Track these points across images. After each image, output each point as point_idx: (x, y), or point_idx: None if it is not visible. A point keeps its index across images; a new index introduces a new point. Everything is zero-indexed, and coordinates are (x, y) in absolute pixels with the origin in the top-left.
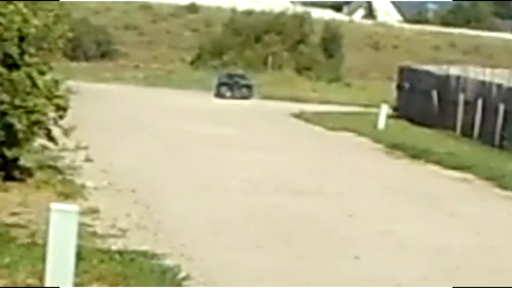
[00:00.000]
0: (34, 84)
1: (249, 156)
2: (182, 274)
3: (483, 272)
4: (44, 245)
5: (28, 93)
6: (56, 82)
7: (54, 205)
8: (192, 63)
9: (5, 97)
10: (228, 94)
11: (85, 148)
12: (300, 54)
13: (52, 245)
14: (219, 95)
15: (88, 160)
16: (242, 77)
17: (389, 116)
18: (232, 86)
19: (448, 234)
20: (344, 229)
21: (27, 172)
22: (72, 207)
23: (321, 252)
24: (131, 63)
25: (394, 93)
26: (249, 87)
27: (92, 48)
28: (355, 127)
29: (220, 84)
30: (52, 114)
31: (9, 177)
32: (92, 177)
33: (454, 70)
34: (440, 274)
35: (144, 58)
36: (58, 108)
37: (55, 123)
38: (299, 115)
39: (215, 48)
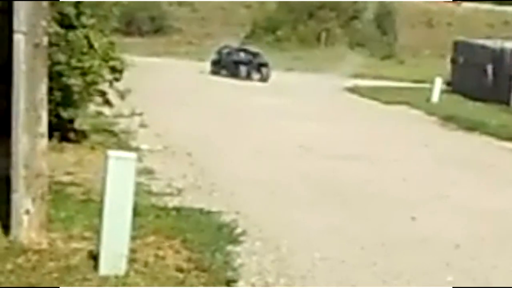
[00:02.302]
0: (91, 46)
1: (303, 125)
2: (239, 230)
3: None
4: (101, 194)
5: (84, 54)
6: (112, 44)
7: (112, 152)
8: (245, 38)
9: (62, 58)
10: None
11: (140, 114)
12: (354, 30)
13: (109, 192)
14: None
15: (142, 125)
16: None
17: (443, 91)
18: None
19: (505, 199)
20: (399, 192)
21: (82, 135)
22: (130, 154)
23: (376, 213)
24: (185, 38)
25: (448, 68)
26: (266, 65)
27: (146, 23)
28: (409, 101)
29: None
30: (108, 76)
31: (64, 139)
32: (147, 141)
33: (509, 44)
34: (499, 236)
35: (197, 34)
36: (114, 70)
37: (111, 85)
38: (353, 89)
39: (268, 24)
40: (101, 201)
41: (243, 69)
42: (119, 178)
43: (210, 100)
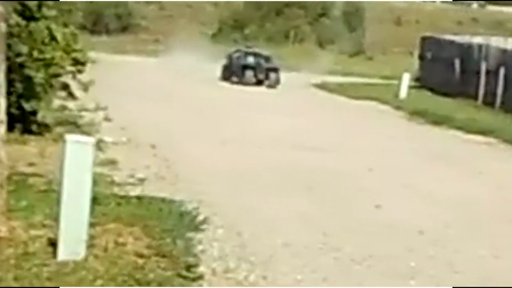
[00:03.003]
0: (53, 37)
1: (271, 120)
2: (201, 217)
3: (506, 221)
4: (59, 179)
5: (46, 45)
6: (75, 36)
7: (70, 136)
8: (213, 36)
9: (23, 49)
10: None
11: (104, 108)
12: (322, 27)
13: (67, 177)
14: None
15: (107, 119)
16: (265, 57)
17: (411, 87)
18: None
19: (471, 188)
20: (364, 181)
21: (45, 128)
22: (88, 138)
23: (341, 201)
24: (152, 36)
25: (416, 64)
26: (275, 70)
27: (113, 22)
28: (377, 96)
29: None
30: (70, 68)
31: (27, 131)
32: (111, 133)
33: (476, 40)
34: (463, 222)
35: (164, 31)
36: (77, 62)
37: (74, 77)
38: (321, 86)
39: (236, 22)
40: (59, 186)
41: (249, 74)
42: (77, 162)
43: (175, 95)
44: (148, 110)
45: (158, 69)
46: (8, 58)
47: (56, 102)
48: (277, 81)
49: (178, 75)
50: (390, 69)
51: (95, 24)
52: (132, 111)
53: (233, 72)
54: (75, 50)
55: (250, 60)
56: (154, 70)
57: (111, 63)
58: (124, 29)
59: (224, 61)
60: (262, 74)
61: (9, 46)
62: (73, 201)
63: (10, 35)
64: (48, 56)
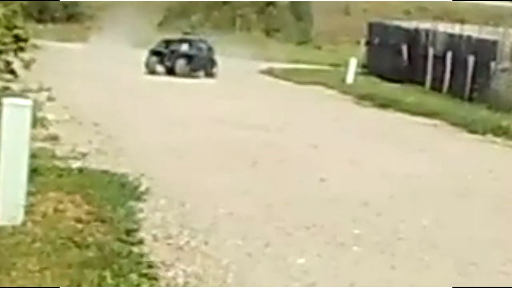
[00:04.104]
0: None
1: (216, 102)
2: (142, 188)
3: (449, 193)
4: None
5: None
6: (15, 13)
7: (6, 99)
8: (159, 24)
9: None
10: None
11: (48, 89)
12: (269, 16)
13: (4, 141)
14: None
15: (50, 99)
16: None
17: (358, 73)
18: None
19: (415, 164)
20: (309, 158)
21: None
22: (26, 101)
23: (285, 176)
24: (96, 25)
25: (363, 50)
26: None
27: (59, 10)
28: (324, 82)
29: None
30: (12, 46)
31: None
32: (54, 112)
33: (424, 25)
34: (407, 194)
35: (110, 20)
36: (18, 39)
37: (16, 55)
38: (268, 72)
39: (182, 10)
40: None
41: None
42: (14, 125)
43: (119, 77)
44: (89, 92)
45: (100, 55)
46: None
47: None
48: (189, 68)
49: (112, 61)
50: (338, 57)
51: (41, 12)
52: (74, 92)
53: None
54: (16, 27)
55: (160, 46)
56: (96, 56)
57: (54, 49)
58: (70, 17)
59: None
60: (170, 61)
61: None
62: (11, 165)
63: None
64: None
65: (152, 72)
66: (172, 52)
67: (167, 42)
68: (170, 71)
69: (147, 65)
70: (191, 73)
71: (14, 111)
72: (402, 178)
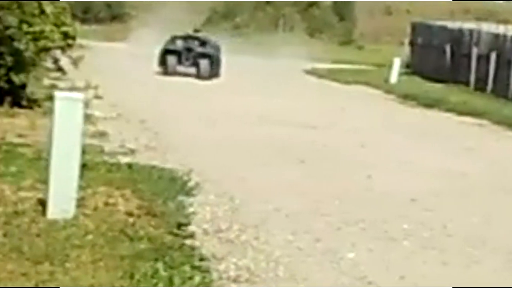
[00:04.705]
0: (42, 11)
1: (262, 101)
2: (192, 183)
3: (496, 191)
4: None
5: (35, 16)
6: (64, 9)
7: (59, 93)
8: (203, 25)
9: (13, 21)
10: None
11: (95, 87)
12: (312, 17)
13: (57, 134)
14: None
15: (97, 97)
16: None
17: (402, 73)
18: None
19: (462, 162)
20: (356, 155)
21: (35, 102)
22: (78, 95)
23: (332, 172)
24: (140, 25)
25: (407, 50)
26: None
27: (103, 11)
28: (368, 81)
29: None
30: (60, 43)
31: (16, 104)
32: (101, 109)
33: (467, 25)
34: (454, 191)
35: (154, 20)
36: (66, 36)
37: (63, 51)
38: (311, 72)
39: (227, 11)
40: (49, 145)
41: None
42: (66, 119)
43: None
44: (134, 90)
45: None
46: None
47: (46, 82)
48: (212, 71)
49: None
50: (381, 57)
51: (86, 13)
52: (119, 90)
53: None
54: (65, 24)
55: (179, 44)
56: (135, 56)
57: (98, 49)
58: (113, 18)
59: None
60: (189, 61)
61: None
62: (63, 159)
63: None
64: (37, 29)
65: (172, 73)
66: (189, 50)
67: (184, 40)
68: (192, 72)
69: (163, 63)
70: (213, 74)
71: (66, 105)
72: (449, 175)
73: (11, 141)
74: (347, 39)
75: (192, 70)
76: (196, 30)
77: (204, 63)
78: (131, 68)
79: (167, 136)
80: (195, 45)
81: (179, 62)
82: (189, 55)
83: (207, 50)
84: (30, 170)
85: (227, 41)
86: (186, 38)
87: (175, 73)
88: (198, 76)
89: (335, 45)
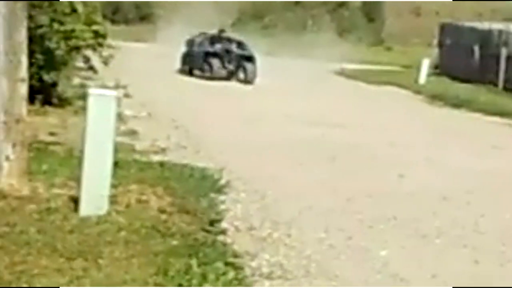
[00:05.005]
0: (73, 9)
1: (291, 101)
2: (223, 181)
3: None
4: (82, 133)
5: (66, 15)
6: (95, 8)
7: (92, 90)
8: (232, 25)
9: (44, 20)
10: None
11: (124, 87)
12: (341, 17)
13: (90, 131)
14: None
15: (127, 96)
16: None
17: (430, 74)
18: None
19: (492, 161)
20: (386, 154)
21: (66, 101)
22: (111, 91)
23: (363, 171)
24: (169, 25)
25: (435, 51)
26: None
27: (132, 11)
28: (396, 82)
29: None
30: (91, 41)
31: (47, 103)
32: (131, 108)
33: (496, 25)
34: (485, 189)
35: (182, 21)
36: (97, 34)
37: (94, 50)
38: (340, 72)
39: (255, 11)
40: (82, 137)
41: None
42: (99, 116)
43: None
44: (163, 89)
45: (167, 55)
46: (29, 29)
47: (76, 81)
48: (254, 74)
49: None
50: (409, 58)
51: (114, 13)
52: (149, 90)
53: (193, 62)
54: (95, 23)
55: (218, 46)
56: (164, 56)
57: (127, 49)
58: (142, 18)
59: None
60: (233, 64)
61: (30, 17)
62: (96, 155)
63: (31, 5)
64: (68, 28)
65: (215, 77)
66: (228, 52)
67: (217, 41)
68: (232, 76)
69: (186, 63)
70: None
71: (99, 101)
72: (480, 174)
73: (43, 140)
74: (375, 40)
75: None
76: (221, 31)
77: (250, 66)
78: (159, 68)
79: (197, 135)
80: (232, 47)
81: (223, 65)
82: (230, 58)
83: (248, 52)
84: (62, 168)
85: (254, 42)
86: (217, 38)
87: (219, 78)
88: (245, 80)
89: (364, 46)
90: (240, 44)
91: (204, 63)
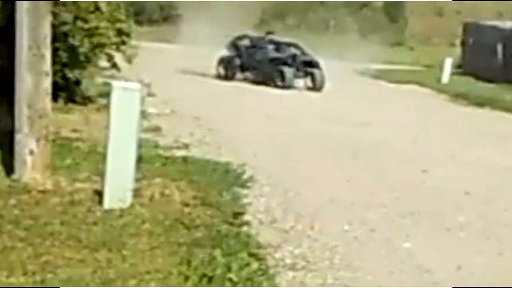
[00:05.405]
0: (97, 7)
1: (313, 100)
2: (246, 176)
3: None
4: (106, 126)
5: (91, 12)
6: (119, 6)
7: (116, 83)
8: (255, 26)
9: (68, 17)
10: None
11: (148, 85)
12: (363, 18)
13: (114, 124)
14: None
15: (150, 94)
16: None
17: (453, 73)
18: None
19: None
20: (409, 151)
21: (89, 99)
22: (134, 85)
23: (386, 166)
24: (192, 26)
25: (458, 52)
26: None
27: (156, 12)
28: (419, 81)
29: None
30: (115, 39)
31: (71, 100)
32: (155, 106)
33: None
34: (509, 185)
35: (205, 21)
36: (121, 32)
37: (118, 48)
38: (364, 72)
39: (277, 12)
40: (106, 131)
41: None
42: (123, 109)
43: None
44: (187, 88)
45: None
46: (53, 26)
47: (99, 79)
48: (323, 81)
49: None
50: (431, 58)
51: (138, 14)
52: (172, 88)
53: (244, 67)
54: (119, 20)
55: (282, 50)
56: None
57: (150, 49)
58: (166, 19)
59: (222, 52)
60: (303, 72)
61: (54, 14)
62: (120, 149)
63: (55, 3)
64: (92, 25)
65: (289, 87)
66: (294, 59)
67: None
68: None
69: (232, 69)
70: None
71: (124, 95)
72: (503, 170)
73: (66, 136)
74: (398, 40)
75: (304, 82)
76: (268, 33)
77: (318, 73)
78: (182, 68)
79: (220, 131)
80: (294, 51)
81: (296, 74)
82: (297, 64)
83: (311, 56)
84: (85, 163)
85: None
86: (269, 42)
87: (291, 87)
88: (314, 88)
89: (386, 46)
90: (298, 48)
91: (273, 71)
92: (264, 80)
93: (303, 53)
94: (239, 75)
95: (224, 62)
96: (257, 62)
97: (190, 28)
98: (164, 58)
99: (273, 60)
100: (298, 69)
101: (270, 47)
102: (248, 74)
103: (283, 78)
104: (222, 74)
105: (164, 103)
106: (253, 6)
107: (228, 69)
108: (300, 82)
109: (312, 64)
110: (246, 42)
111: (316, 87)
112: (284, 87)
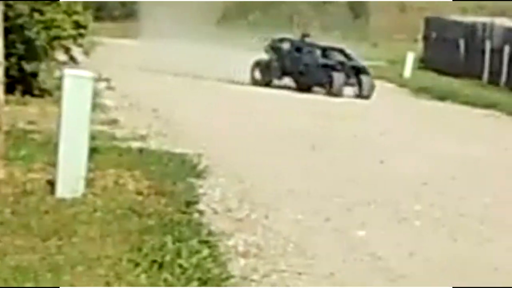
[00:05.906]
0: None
1: (278, 94)
2: (202, 166)
3: (509, 175)
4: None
5: (46, 4)
6: None
7: (68, 71)
8: (218, 23)
9: (24, 9)
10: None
11: (107, 79)
12: (326, 13)
13: (66, 112)
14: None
15: (109, 88)
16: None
17: (415, 68)
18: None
19: (474, 149)
20: (372, 142)
21: (46, 92)
22: (86, 72)
23: (345, 157)
24: (154, 22)
25: (420, 45)
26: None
27: (117, 8)
28: (382, 76)
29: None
30: (72, 32)
31: (28, 93)
32: (113, 99)
33: (481, 19)
34: (466, 175)
35: (167, 18)
36: (78, 25)
37: (75, 40)
38: None
39: (240, 9)
40: (58, 120)
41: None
42: (75, 97)
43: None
44: (146, 82)
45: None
46: (9, 18)
47: (57, 73)
48: (372, 88)
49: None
50: (394, 53)
51: (99, 10)
52: (131, 82)
53: (285, 72)
54: (76, 13)
55: (329, 55)
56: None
57: (111, 45)
58: (128, 15)
59: (259, 56)
60: (353, 78)
61: (9, 6)
62: (72, 137)
63: None
64: (49, 17)
65: (336, 94)
66: (343, 64)
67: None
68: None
69: (272, 75)
70: None
71: (76, 82)
72: (462, 161)
73: (22, 128)
74: (361, 36)
75: (353, 89)
76: (304, 35)
77: (365, 79)
78: (144, 63)
79: (178, 124)
80: (339, 57)
81: (347, 81)
82: (348, 71)
83: (358, 61)
84: (40, 154)
85: (241, 40)
86: (310, 45)
87: (341, 95)
88: (360, 95)
89: (350, 42)
90: (343, 53)
91: (322, 78)
92: (309, 87)
93: (350, 58)
94: (276, 81)
95: (261, 66)
96: (303, 67)
97: (153, 24)
98: (123, 53)
99: (322, 66)
100: (348, 76)
101: (318, 51)
102: (288, 80)
103: (331, 85)
104: (259, 80)
105: (122, 96)
106: (215, 2)
107: (265, 74)
108: (349, 90)
109: (360, 70)
110: (287, 45)
111: (363, 95)
112: (332, 94)
